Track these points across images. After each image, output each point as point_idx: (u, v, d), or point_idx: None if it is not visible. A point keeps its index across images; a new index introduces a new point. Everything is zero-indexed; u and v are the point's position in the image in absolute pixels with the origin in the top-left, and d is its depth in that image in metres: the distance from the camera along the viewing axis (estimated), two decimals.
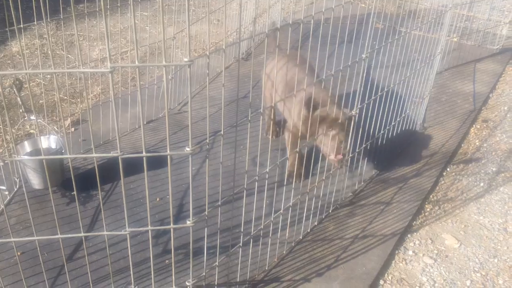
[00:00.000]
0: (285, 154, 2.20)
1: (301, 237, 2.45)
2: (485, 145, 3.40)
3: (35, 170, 2.54)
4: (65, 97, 3.63)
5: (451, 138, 3.38)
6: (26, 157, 2.64)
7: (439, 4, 3.93)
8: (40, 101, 3.56)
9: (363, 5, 5.39)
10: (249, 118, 1.78)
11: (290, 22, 1.85)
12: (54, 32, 4.77)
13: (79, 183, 2.70)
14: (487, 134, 3.52)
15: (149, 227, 1.59)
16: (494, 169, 3.14)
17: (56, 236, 1.61)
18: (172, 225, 1.61)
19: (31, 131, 3.27)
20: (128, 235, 1.57)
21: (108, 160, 2.87)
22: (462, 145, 3.40)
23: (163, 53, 1.41)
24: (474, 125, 3.63)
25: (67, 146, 2.65)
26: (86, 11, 2.94)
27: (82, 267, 2.18)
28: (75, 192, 1.71)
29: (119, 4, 3.02)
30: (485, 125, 3.64)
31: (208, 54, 1.50)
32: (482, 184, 2.99)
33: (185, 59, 1.38)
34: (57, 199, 2.61)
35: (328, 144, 2.61)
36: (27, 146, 2.72)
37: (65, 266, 1.98)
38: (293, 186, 2.29)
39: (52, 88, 3.84)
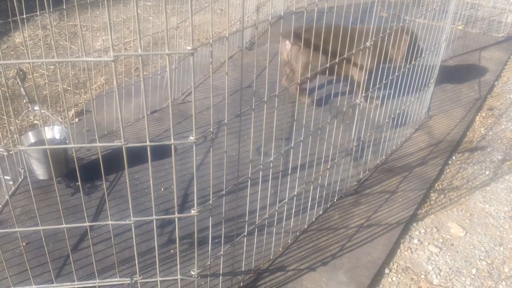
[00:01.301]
0: (289, 143, 2.20)
1: (306, 226, 2.45)
2: (490, 133, 3.38)
3: (40, 160, 2.54)
4: (69, 88, 3.63)
5: (456, 126, 3.36)
6: (30, 147, 2.64)
7: None
8: (44, 92, 3.56)
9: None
10: (253, 107, 1.77)
11: (294, 10, 1.83)
12: (57, 23, 4.75)
13: (83, 173, 2.70)
14: (493, 122, 3.50)
15: (154, 217, 1.59)
16: (499, 157, 3.12)
17: (61, 226, 1.62)
18: (176, 215, 1.61)
19: (35, 121, 3.28)
20: (132, 225, 1.57)
21: (113, 150, 2.87)
22: (468, 133, 3.38)
23: (166, 42, 1.40)
24: (479, 113, 3.61)
25: (71, 137, 2.65)
26: (88, 1, 2.92)
27: (87, 257, 2.19)
28: (79, 183, 1.72)
29: None
30: (490, 113, 3.61)
31: (211, 42, 1.49)
32: (487, 173, 2.98)
33: (188, 48, 1.36)
34: (61, 189, 2.62)
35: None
36: (31, 137, 2.72)
37: (70, 256, 1.98)
38: (297, 176, 2.28)
39: (55, 79, 3.83)
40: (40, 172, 2.60)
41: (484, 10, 5.10)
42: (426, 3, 4.84)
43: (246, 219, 2.08)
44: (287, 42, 3.37)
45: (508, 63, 4.42)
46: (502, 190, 2.84)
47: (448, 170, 3.00)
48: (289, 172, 2.64)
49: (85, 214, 1.73)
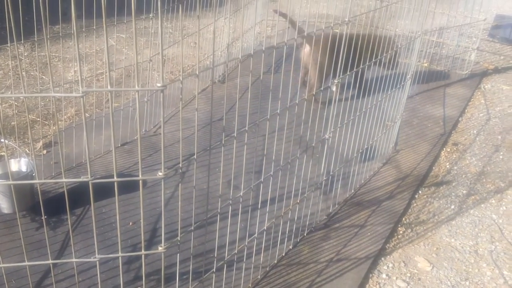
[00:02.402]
0: (259, 177, 2.22)
1: (275, 262, 2.44)
2: (455, 168, 3.47)
3: (4, 193, 2.49)
4: (38, 119, 3.58)
5: (422, 161, 3.45)
6: None
7: (409, 30, 4.04)
8: (12, 123, 3.50)
9: (336, 30, 5.51)
10: (223, 142, 1.78)
11: (263, 48, 1.88)
12: (29, 53, 4.72)
13: (50, 207, 2.65)
14: (457, 157, 3.60)
15: (120, 254, 1.56)
16: (464, 191, 3.20)
17: (23, 264, 1.58)
18: (143, 252, 1.59)
19: (1, 153, 3.21)
20: (97, 263, 1.54)
21: (80, 183, 2.82)
22: (433, 168, 3.46)
23: (136, 78, 1.42)
24: (444, 148, 3.71)
25: (38, 170, 2.61)
26: (61, 34, 2.93)
27: None
28: (43, 217, 1.69)
29: (94, 27, 3.02)
30: (455, 148, 3.72)
31: (181, 79, 1.51)
32: (453, 207, 3.05)
33: (158, 84, 1.38)
34: (26, 223, 2.55)
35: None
36: None
37: None
38: (267, 210, 2.29)
39: (25, 109, 3.78)
40: (4, 205, 2.54)
41: (449, 48, 5.31)
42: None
43: (215, 255, 2.06)
44: (308, 46, 3.97)
45: (472, 99, 4.58)
46: (467, 224, 2.90)
47: (415, 204, 3.05)
48: (259, 206, 2.64)
49: (48, 251, 1.69)
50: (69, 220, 2.54)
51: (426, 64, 5.05)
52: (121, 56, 4.84)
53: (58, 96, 1.33)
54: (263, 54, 1.88)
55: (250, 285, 2.28)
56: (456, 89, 4.69)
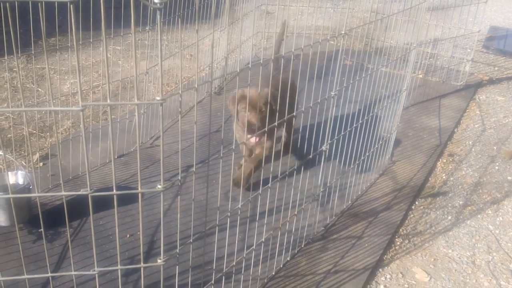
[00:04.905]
0: (257, 189, 2.23)
1: (273, 273, 2.44)
2: (451, 179, 3.49)
3: (1, 206, 2.48)
4: (34, 131, 3.58)
5: (418, 172, 3.46)
6: None
7: (404, 42, 4.08)
8: (8, 135, 3.50)
9: (332, 42, 5.55)
10: (221, 155, 1.79)
11: (261, 61, 1.89)
12: (24, 65, 4.72)
13: (47, 219, 2.63)
14: (453, 168, 3.62)
15: (119, 267, 1.56)
16: (461, 202, 3.22)
17: (22, 277, 1.57)
18: (142, 264, 1.59)
19: None
20: (97, 276, 1.54)
21: (77, 195, 2.81)
22: (430, 179, 3.48)
23: (135, 90, 1.42)
24: (440, 159, 3.73)
25: (35, 182, 2.60)
26: (58, 46, 2.94)
27: None
28: (42, 229, 1.69)
29: (91, 40, 3.03)
30: (451, 159, 3.74)
31: (180, 93, 1.52)
32: (449, 218, 3.06)
33: (158, 98, 1.39)
34: (23, 236, 2.54)
35: (240, 125, 2.61)
36: None
37: None
38: (265, 221, 2.29)
39: (21, 121, 3.78)
40: (1, 218, 2.53)
41: (443, 60, 5.35)
42: (388, 52, 5.06)
43: (214, 267, 2.06)
44: None
45: (467, 110, 4.61)
46: (464, 235, 2.91)
47: (411, 215, 3.06)
48: (257, 218, 2.65)
49: (47, 263, 1.69)
50: (68, 233, 2.53)
51: (421, 76, 5.09)
52: (117, 68, 4.85)
53: (58, 110, 1.34)
54: (260, 67, 1.90)
55: None
56: (451, 100, 4.72)
